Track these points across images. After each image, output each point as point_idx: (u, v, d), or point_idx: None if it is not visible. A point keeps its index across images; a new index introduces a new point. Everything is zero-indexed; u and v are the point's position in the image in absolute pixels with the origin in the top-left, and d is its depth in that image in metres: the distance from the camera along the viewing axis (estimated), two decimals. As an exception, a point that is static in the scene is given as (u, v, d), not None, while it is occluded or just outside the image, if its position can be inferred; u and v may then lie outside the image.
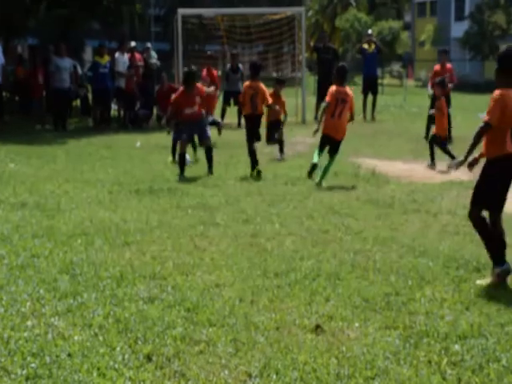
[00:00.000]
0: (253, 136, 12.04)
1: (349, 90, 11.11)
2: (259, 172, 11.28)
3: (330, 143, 11.02)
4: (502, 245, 6.12)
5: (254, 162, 11.59)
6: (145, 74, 20.29)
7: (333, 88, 11.02)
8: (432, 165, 12.43)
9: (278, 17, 22.91)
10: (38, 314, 5.29)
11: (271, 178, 11.11)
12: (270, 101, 12.19)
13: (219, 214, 8.55)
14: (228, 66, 20.83)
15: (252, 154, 11.73)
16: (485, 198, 6.11)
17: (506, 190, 6.14)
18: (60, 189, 10.21)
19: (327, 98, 10.93)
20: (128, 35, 27.02)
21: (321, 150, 11.06)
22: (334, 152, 11.04)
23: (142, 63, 20.31)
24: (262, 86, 12.17)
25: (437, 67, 17.59)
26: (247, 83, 12.37)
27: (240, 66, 20.58)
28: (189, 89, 11.65)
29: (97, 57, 20.30)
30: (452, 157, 11.78)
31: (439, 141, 12.60)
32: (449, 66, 17.47)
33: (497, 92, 6.04)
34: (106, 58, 19.77)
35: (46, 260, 6.62)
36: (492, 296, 5.67)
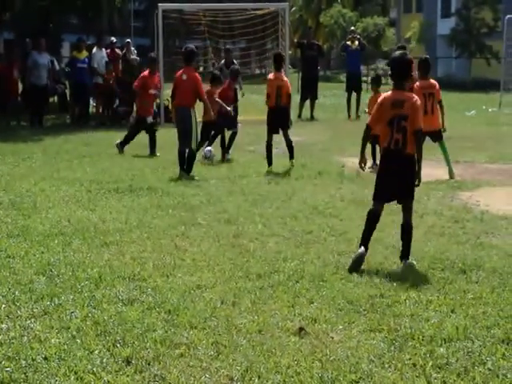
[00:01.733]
0: (273, 130, 12.10)
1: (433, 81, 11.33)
2: (270, 171, 11.58)
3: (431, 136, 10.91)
4: None
5: (270, 159, 11.83)
6: (124, 69, 20.15)
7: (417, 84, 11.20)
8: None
9: (261, 12, 22.86)
10: (13, 316, 5.22)
11: (254, 178, 11.03)
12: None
13: (201, 214, 8.49)
14: (222, 61, 20.68)
15: (269, 149, 11.94)
16: None
17: None
18: (36, 187, 10.11)
19: None
20: (107, 30, 26.87)
21: None
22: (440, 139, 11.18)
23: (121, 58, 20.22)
24: (285, 78, 12.27)
25: None
26: (272, 75, 12.38)
27: (235, 61, 20.40)
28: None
29: (75, 52, 20.17)
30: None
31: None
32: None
33: None
34: (85, 54, 19.66)
35: (21, 261, 6.55)
36: (478, 298, 5.65)
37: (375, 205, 6.75)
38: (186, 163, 11.13)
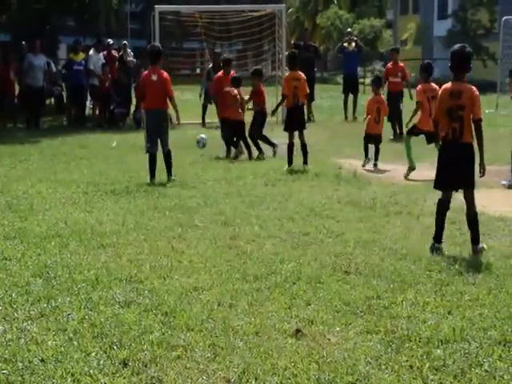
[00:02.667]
0: (294, 129, 12.17)
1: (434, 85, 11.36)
2: (291, 170, 11.74)
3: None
4: None
5: (291, 158, 11.97)
6: (121, 71, 20.12)
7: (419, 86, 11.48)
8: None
9: (257, 14, 22.83)
10: (10, 318, 5.22)
11: (251, 179, 11.01)
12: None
13: (197, 216, 8.47)
14: (210, 64, 20.69)
15: (290, 148, 12.06)
16: None
17: None
18: (33, 189, 10.09)
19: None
20: (104, 32, 26.82)
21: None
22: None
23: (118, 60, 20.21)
24: (303, 76, 12.28)
25: (389, 66, 18.36)
26: (288, 75, 12.45)
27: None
28: None
29: (71, 54, 20.14)
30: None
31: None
32: (401, 64, 18.16)
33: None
34: (81, 56, 19.65)
35: (18, 263, 6.54)
36: (474, 300, 5.65)
37: (443, 195, 7.11)
38: (167, 166, 10.93)
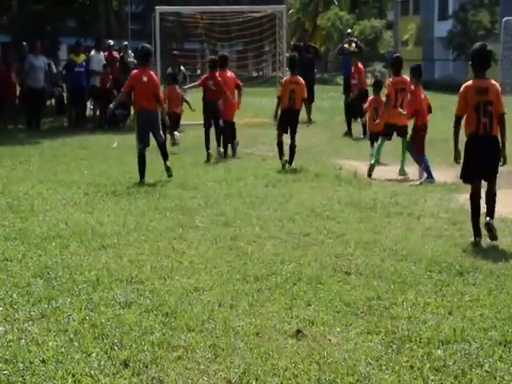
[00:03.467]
0: (284, 130, 12.42)
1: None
2: (284, 165, 12.05)
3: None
4: None
5: (281, 154, 12.23)
6: (122, 72, 20.09)
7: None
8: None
9: (258, 15, 22.82)
10: (10, 319, 5.21)
11: (251, 180, 11.01)
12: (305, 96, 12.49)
13: (198, 217, 8.47)
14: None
15: (280, 146, 12.36)
16: None
17: None
18: (33, 190, 10.08)
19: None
20: (104, 33, 26.78)
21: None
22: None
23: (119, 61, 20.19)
24: (302, 80, 12.37)
25: (353, 69, 18.83)
26: (287, 78, 12.60)
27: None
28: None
29: (72, 55, 20.11)
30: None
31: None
32: (360, 66, 18.80)
33: None
34: (82, 57, 19.62)
35: (19, 264, 6.53)
36: (475, 300, 5.65)
37: (473, 188, 7.55)
38: (163, 153, 11.09)
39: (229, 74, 14.42)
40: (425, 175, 11.15)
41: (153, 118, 11.07)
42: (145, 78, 10.87)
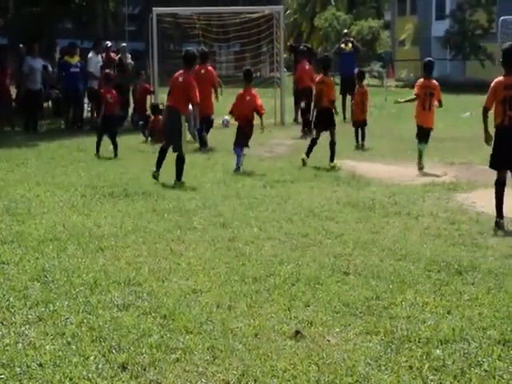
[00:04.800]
0: (320, 129, 12.75)
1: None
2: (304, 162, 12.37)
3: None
4: None
5: (310, 151, 12.59)
6: (120, 74, 20.05)
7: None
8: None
9: (255, 16, 22.79)
10: (7, 322, 5.19)
11: (249, 181, 10.99)
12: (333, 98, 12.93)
13: (196, 218, 8.45)
14: None
15: (312, 142, 12.69)
16: None
17: None
18: (31, 193, 10.03)
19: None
20: (101, 35, 26.73)
21: None
22: None
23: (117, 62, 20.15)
24: (332, 81, 12.92)
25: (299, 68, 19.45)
26: (319, 78, 13.08)
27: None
28: None
29: (67, 56, 20.06)
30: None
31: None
32: (304, 64, 19.27)
33: None
34: (76, 58, 19.55)
35: (16, 267, 6.50)
36: (474, 300, 5.64)
37: (499, 174, 8.15)
38: (176, 170, 10.87)
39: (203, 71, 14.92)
40: None
41: (174, 117, 11.14)
42: (180, 79, 11.17)
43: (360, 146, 15.09)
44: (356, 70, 17.45)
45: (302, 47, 20.24)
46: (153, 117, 17.09)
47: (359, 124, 15.48)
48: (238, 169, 11.97)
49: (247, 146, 12.53)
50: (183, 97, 11.06)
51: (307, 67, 19.03)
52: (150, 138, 16.50)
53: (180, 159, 10.90)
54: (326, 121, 12.77)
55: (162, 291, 5.82)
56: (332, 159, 12.50)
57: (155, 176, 10.93)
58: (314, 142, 12.73)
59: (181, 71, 11.30)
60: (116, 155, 13.99)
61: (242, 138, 12.37)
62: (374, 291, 5.81)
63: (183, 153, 10.94)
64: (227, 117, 16.61)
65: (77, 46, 20.58)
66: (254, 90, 12.69)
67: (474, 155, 13.44)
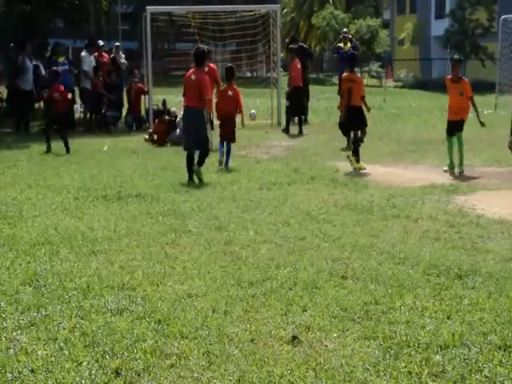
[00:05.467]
0: (349, 129, 12.58)
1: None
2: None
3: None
4: None
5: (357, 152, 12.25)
6: (113, 73, 20.00)
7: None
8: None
9: (252, 14, 22.74)
10: (-2, 328, 5.16)
11: (245, 183, 10.94)
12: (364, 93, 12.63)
13: (191, 221, 8.40)
14: None
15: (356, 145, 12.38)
16: None
17: None
18: (22, 195, 9.99)
19: None
20: (94, 34, 26.66)
21: None
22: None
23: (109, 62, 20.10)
24: (360, 77, 12.71)
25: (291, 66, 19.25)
26: (345, 75, 12.71)
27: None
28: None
29: (55, 57, 20.00)
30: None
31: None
32: (295, 63, 19.13)
33: None
34: (61, 59, 19.46)
35: (7, 271, 6.47)
36: (474, 304, 5.60)
37: None
38: (199, 158, 11.25)
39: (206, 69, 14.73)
40: None
41: (194, 116, 11.39)
42: (193, 77, 11.35)
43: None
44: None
45: (293, 46, 20.18)
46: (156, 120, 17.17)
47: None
48: (220, 164, 12.46)
49: (234, 141, 12.88)
50: (199, 94, 11.27)
51: (299, 66, 19.04)
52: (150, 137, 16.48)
53: (205, 153, 11.37)
54: (357, 120, 12.51)
55: (156, 296, 5.78)
56: (357, 156, 12.31)
57: (191, 182, 10.99)
58: (356, 143, 12.46)
59: (192, 69, 11.52)
60: (68, 151, 14.38)
61: (230, 135, 12.76)
62: (373, 295, 5.77)
63: (209, 147, 11.54)
64: (253, 110, 17.18)
65: (61, 45, 20.49)
66: (237, 88, 13.00)
67: (474, 157, 13.42)
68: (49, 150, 14.42)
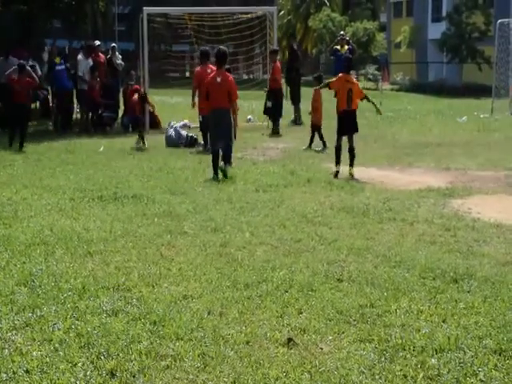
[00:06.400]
0: (343, 133, 12.07)
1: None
2: (337, 172, 11.63)
3: None
4: None
5: (338, 159, 11.85)
6: (109, 74, 19.96)
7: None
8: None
9: (248, 16, 22.72)
10: (-7, 328, 5.14)
11: (242, 185, 10.92)
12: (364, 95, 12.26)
13: (187, 223, 8.37)
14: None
15: (338, 150, 11.98)
16: None
17: None
18: (18, 195, 9.96)
19: None
20: (90, 34, 26.63)
21: None
22: None
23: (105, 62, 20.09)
24: (355, 80, 12.20)
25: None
26: (341, 77, 12.27)
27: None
28: None
29: (53, 56, 19.97)
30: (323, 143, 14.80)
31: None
32: (278, 64, 19.55)
33: None
34: (58, 60, 19.43)
35: (2, 271, 6.45)
36: (469, 308, 5.59)
37: None
38: (225, 157, 11.66)
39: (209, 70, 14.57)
40: None
41: (225, 116, 11.83)
42: (218, 79, 11.76)
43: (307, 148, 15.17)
44: (316, 74, 17.35)
45: (276, 47, 20.29)
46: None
47: (318, 128, 15.51)
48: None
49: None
50: (225, 95, 11.71)
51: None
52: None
53: (230, 150, 11.88)
54: (353, 124, 12.06)
55: (151, 297, 5.77)
56: (352, 165, 11.92)
57: (216, 178, 11.33)
58: (353, 151, 11.97)
59: (214, 72, 12.10)
60: (21, 147, 14.64)
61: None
62: (368, 298, 5.75)
63: (233, 142, 12.16)
64: (250, 116, 17.73)
65: (56, 46, 20.48)
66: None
67: (470, 160, 13.42)
68: (11, 144, 14.58)
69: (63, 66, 19.18)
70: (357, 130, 12.16)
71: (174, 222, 8.43)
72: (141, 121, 17.25)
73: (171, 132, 16.12)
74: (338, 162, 11.87)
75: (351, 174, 11.71)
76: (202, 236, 7.77)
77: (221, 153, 11.70)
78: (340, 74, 12.45)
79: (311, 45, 55.75)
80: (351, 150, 11.96)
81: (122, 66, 20.75)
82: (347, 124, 11.98)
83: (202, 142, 15.19)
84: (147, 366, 4.50)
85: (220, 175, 11.38)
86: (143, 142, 15.63)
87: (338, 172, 11.67)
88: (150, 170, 12.28)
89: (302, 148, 15.16)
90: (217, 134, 11.87)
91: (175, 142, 15.86)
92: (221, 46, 12.55)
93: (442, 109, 27.10)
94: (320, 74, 17.55)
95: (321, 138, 15.24)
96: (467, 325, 5.22)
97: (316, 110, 15.75)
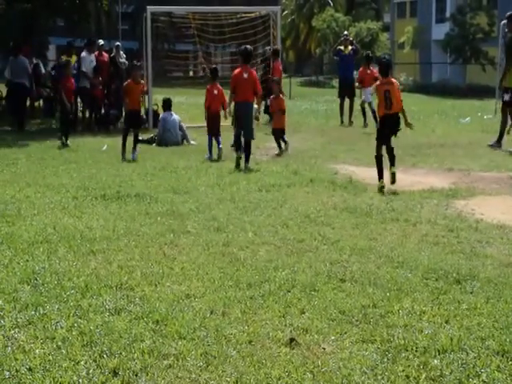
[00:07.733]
0: (384, 141, 10.93)
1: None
2: (382, 187, 10.47)
3: None
4: None
5: (381, 172, 10.70)
6: (114, 73, 19.96)
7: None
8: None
9: (252, 15, 22.70)
10: (-4, 326, 5.14)
11: (244, 185, 10.91)
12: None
13: (190, 222, 8.37)
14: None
15: (379, 161, 10.82)
16: None
17: None
18: (21, 194, 9.96)
19: None
20: (94, 33, 26.63)
21: None
22: None
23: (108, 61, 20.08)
24: (396, 82, 11.19)
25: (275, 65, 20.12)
26: (379, 81, 11.49)
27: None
28: None
29: (64, 56, 19.91)
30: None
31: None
32: (278, 64, 19.98)
33: None
34: (74, 59, 19.41)
35: (5, 269, 6.44)
36: (472, 309, 5.58)
37: None
38: (247, 154, 12.73)
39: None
40: None
41: (250, 109, 13.10)
42: (245, 75, 12.86)
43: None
44: (276, 78, 17.19)
45: (270, 48, 20.32)
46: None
47: (281, 132, 15.04)
48: (210, 157, 13.85)
49: (220, 134, 14.23)
50: (251, 90, 12.84)
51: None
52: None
53: (249, 144, 12.85)
54: (394, 127, 10.99)
55: (154, 296, 5.76)
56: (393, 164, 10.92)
57: (240, 157, 12.69)
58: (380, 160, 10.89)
59: (240, 68, 12.94)
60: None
61: (217, 128, 14.29)
62: (371, 299, 5.75)
63: (253, 137, 13.04)
64: None
65: (73, 45, 20.45)
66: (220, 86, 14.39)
67: (474, 162, 13.40)
68: None
69: (75, 71, 19.14)
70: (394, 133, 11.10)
71: (176, 221, 8.42)
72: (141, 121, 17.17)
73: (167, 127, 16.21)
74: (381, 176, 10.65)
75: (393, 174, 10.78)
76: (204, 235, 7.77)
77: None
78: (378, 81, 11.60)
79: (315, 45, 55.82)
80: (390, 152, 10.99)
81: (125, 65, 20.74)
82: (388, 129, 10.91)
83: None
84: (150, 365, 4.49)
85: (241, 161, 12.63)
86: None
87: (383, 187, 10.50)
88: (153, 169, 12.28)
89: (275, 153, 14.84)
90: (245, 125, 12.92)
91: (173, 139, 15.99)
92: (247, 45, 13.51)
93: (445, 109, 27.07)
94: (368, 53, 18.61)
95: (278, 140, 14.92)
96: (470, 326, 5.21)
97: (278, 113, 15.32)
